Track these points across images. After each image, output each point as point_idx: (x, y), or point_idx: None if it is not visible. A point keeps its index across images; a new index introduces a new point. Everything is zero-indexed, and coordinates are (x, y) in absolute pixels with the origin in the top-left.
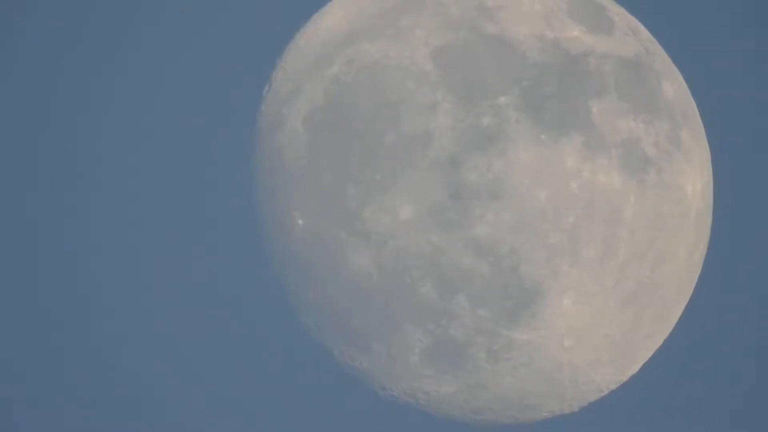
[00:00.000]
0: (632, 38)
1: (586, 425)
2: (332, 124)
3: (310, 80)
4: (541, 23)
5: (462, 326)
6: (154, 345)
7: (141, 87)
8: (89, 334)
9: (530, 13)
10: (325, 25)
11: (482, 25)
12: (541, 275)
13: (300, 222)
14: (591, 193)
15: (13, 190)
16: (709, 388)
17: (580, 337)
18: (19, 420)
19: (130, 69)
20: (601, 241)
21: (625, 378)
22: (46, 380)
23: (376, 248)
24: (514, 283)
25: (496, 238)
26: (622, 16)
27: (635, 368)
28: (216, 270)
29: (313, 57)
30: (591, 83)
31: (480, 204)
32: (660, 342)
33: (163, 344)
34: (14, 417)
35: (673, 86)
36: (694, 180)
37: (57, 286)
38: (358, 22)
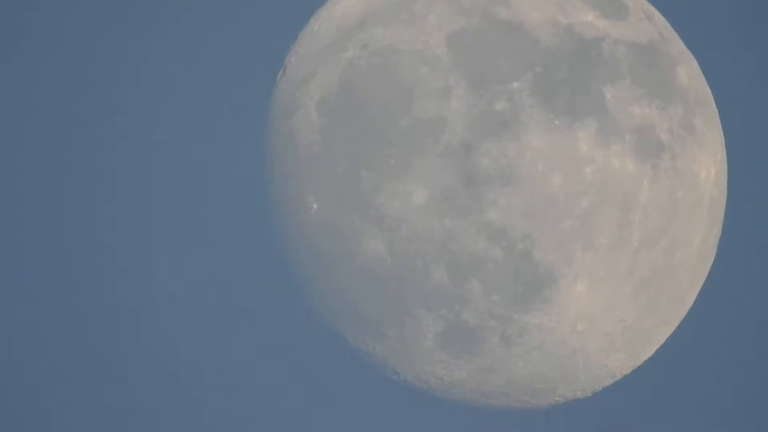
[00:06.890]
0: (646, 23)
1: (589, 419)
2: (346, 109)
3: (324, 65)
4: (554, 8)
5: (475, 311)
6: (167, 333)
7: (154, 74)
8: (103, 329)
9: None
10: (339, 9)
11: (495, 11)
12: (554, 260)
13: (314, 207)
14: (604, 178)
15: (21, 191)
16: (721, 374)
17: (593, 322)
18: (21, 420)
19: (145, 57)
20: (614, 227)
21: (638, 363)
22: (51, 380)
23: (389, 233)
24: (526, 268)
25: (509, 223)
26: (636, 2)
27: (648, 354)
28: (229, 257)
29: (327, 42)
30: (604, 69)
31: (493, 189)
32: (673, 328)
33: (176, 332)
34: (17, 417)
35: (688, 72)
36: (707, 166)
37: (62, 283)
38: (372, 7)
